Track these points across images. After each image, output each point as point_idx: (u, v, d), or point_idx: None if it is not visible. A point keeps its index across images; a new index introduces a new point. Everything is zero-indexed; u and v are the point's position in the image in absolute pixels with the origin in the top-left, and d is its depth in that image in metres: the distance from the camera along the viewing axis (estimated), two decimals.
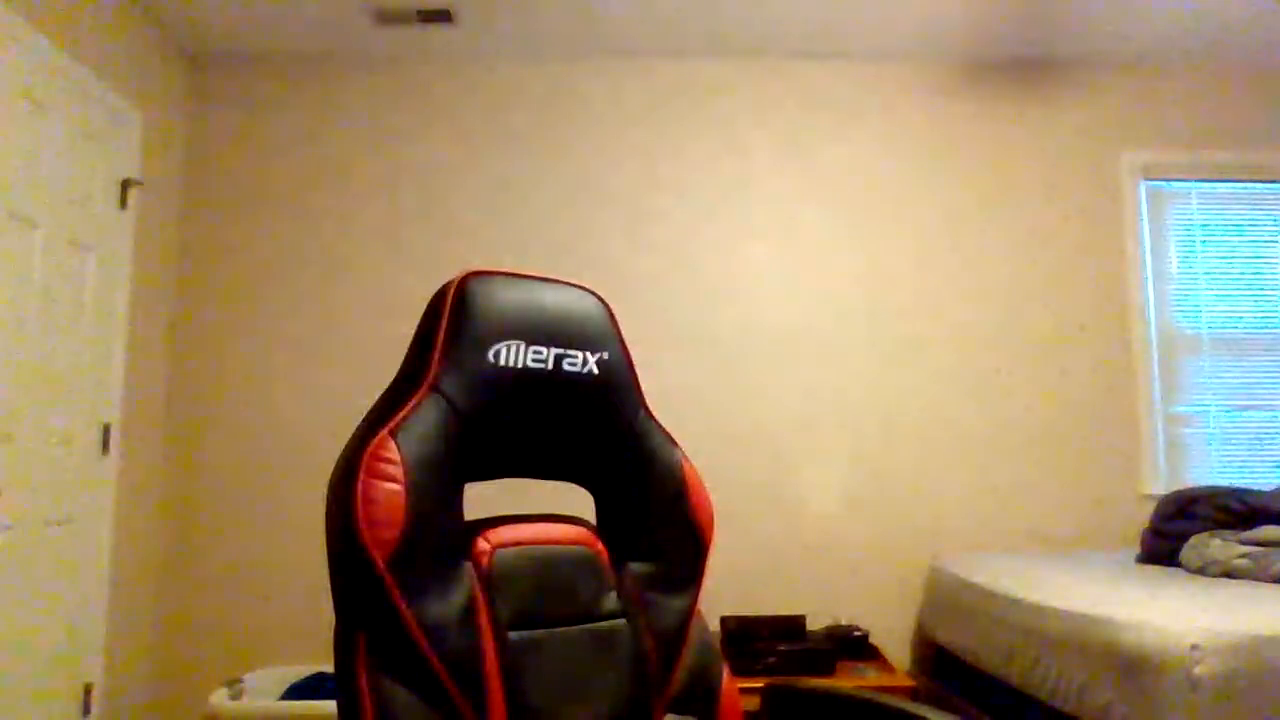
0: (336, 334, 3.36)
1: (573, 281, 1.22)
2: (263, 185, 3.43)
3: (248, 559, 3.23)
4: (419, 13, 3.18)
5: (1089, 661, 1.98)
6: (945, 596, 2.91)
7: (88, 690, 2.78)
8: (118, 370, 2.96)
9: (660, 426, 1.26)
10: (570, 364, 1.16)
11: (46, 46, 2.55)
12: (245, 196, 3.43)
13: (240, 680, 2.73)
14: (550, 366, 1.14)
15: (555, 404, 1.16)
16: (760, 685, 2.52)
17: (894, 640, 3.25)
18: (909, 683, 2.69)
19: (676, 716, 1.11)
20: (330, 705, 2.51)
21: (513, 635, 1.04)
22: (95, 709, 2.80)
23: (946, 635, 2.88)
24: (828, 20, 3.26)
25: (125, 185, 2.97)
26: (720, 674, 1.21)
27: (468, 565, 1.06)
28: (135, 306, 3.08)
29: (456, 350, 1.09)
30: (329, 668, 2.85)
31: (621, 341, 1.23)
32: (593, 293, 1.23)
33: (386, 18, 3.21)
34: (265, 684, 2.81)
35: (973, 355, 3.39)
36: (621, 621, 1.14)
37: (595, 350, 1.19)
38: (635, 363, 1.27)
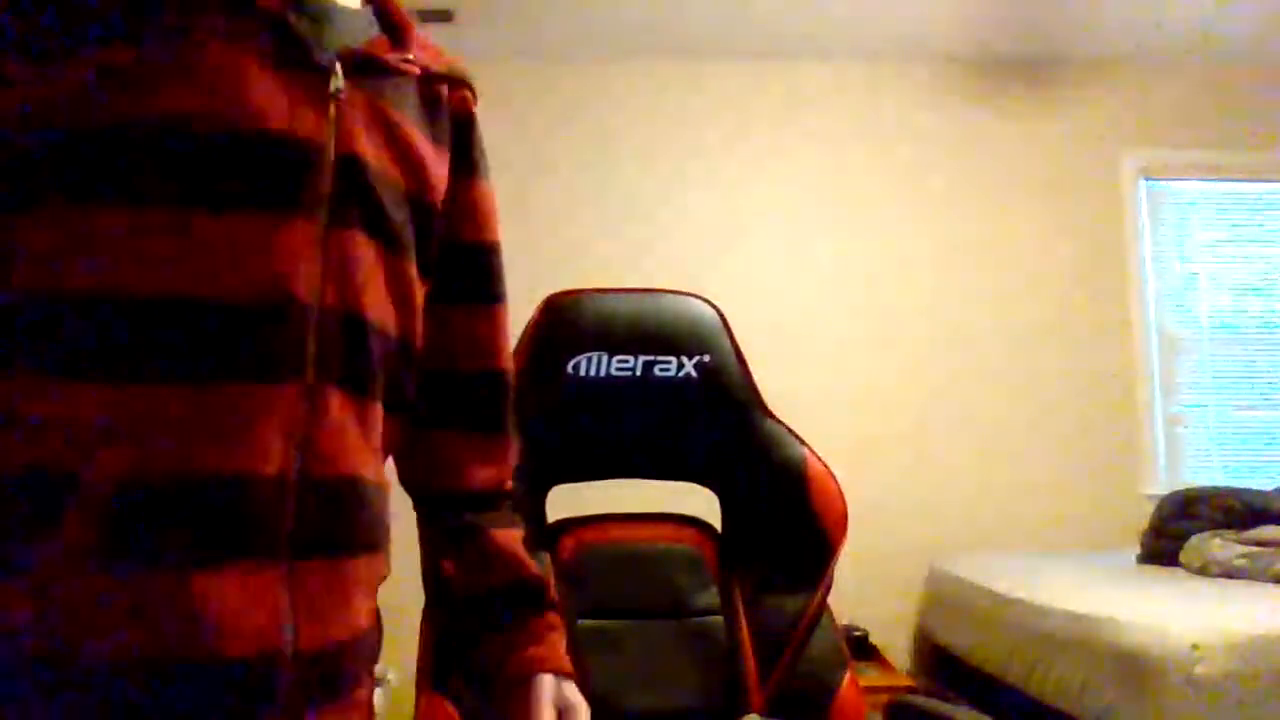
0: None
1: (673, 289, 1.25)
2: None
3: None
4: (419, 13, 3.18)
5: (1089, 661, 1.98)
6: (945, 596, 2.92)
7: None
8: None
9: (782, 424, 1.27)
10: (663, 369, 1.20)
11: None
12: None
13: None
14: (639, 373, 1.19)
15: (647, 408, 1.19)
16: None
17: (894, 640, 3.24)
18: (909, 682, 2.70)
19: (758, 718, 1.08)
20: None
21: (581, 623, 1.07)
22: None
23: (946, 635, 2.88)
24: (825, 20, 3.26)
25: None
26: (840, 679, 1.15)
27: (544, 557, 1.11)
28: None
29: (532, 369, 1.17)
30: None
31: (733, 343, 1.25)
32: (700, 298, 1.25)
33: None
34: None
35: (972, 355, 3.39)
36: (718, 618, 1.14)
37: (693, 354, 1.21)
38: None
